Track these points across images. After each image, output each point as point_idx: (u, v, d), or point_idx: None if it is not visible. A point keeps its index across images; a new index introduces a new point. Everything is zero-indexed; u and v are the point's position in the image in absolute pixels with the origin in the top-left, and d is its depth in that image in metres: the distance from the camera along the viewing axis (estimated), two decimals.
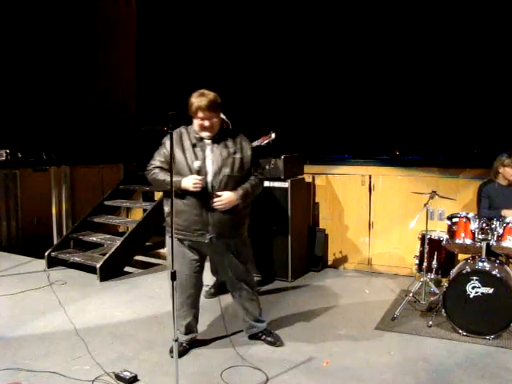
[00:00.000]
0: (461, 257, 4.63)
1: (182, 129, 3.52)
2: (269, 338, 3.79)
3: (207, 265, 5.04)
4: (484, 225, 4.16)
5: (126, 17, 7.94)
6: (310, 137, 6.71)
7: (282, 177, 5.31)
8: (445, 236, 4.38)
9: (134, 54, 8.04)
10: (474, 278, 3.91)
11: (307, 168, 5.86)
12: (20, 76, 6.62)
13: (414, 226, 4.46)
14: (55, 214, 6.57)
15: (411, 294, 4.51)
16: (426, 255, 4.44)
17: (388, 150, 6.42)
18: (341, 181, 5.89)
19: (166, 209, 3.50)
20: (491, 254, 4.19)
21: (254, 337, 3.84)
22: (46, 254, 5.90)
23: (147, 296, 4.95)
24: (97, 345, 3.80)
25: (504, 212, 4.44)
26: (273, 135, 4.68)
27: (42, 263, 5.91)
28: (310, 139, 6.67)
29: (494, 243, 4.07)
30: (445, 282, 4.29)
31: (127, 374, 3.26)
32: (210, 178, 3.39)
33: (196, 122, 3.43)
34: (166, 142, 3.41)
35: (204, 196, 3.36)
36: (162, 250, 6.61)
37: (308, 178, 5.90)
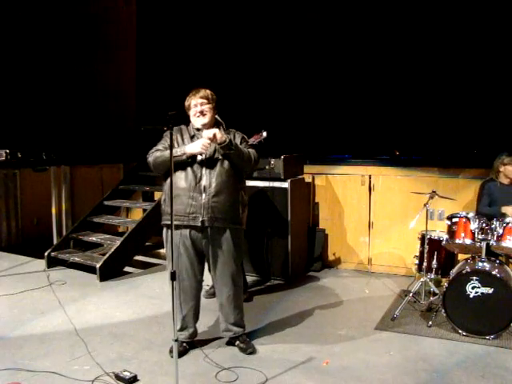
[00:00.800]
0: (461, 257, 4.63)
1: (182, 126, 3.69)
2: (242, 345, 3.70)
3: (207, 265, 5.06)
4: (484, 225, 4.16)
5: (126, 17, 7.94)
6: (310, 137, 6.71)
7: (282, 177, 5.31)
8: (445, 236, 4.38)
9: (134, 54, 8.04)
10: (474, 278, 3.91)
11: (307, 168, 5.86)
12: (20, 76, 6.61)
13: (414, 226, 4.46)
14: (55, 214, 6.57)
15: (411, 294, 4.51)
16: (425, 255, 4.45)
17: (388, 149, 6.42)
18: (341, 181, 5.89)
19: (163, 197, 3.61)
20: (491, 254, 4.19)
21: (230, 343, 3.77)
22: (46, 253, 5.90)
23: (147, 296, 4.95)
24: (97, 345, 3.80)
25: (504, 209, 4.45)
26: (264, 134, 4.66)
27: (41, 263, 5.91)
28: (309, 139, 6.67)
29: (494, 243, 4.08)
30: (445, 282, 4.29)
31: (127, 374, 3.26)
32: (204, 162, 3.50)
33: (192, 112, 3.62)
34: (165, 135, 3.57)
35: (198, 179, 3.46)
36: (161, 250, 6.61)
37: (308, 178, 5.91)
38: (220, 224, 3.51)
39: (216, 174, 3.47)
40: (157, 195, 6.71)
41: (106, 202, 6.60)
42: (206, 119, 3.58)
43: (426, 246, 4.46)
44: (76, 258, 5.80)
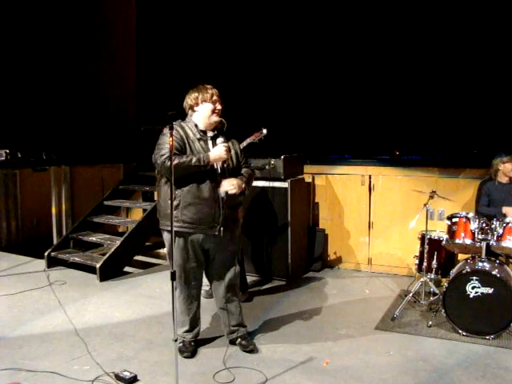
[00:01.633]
0: (461, 257, 4.63)
1: (182, 123, 3.54)
2: (243, 342, 3.73)
3: None
4: (484, 225, 4.16)
5: (126, 17, 7.94)
6: (310, 137, 6.71)
7: (282, 177, 5.31)
8: (445, 236, 4.38)
9: (134, 54, 8.04)
10: (474, 277, 3.91)
11: (307, 168, 5.86)
12: (20, 76, 6.61)
13: (414, 226, 4.46)
14: (55, 214, 6.57)
15: (411, 294, 4.51)
16: (425, 255, 4.44)
17: (388, 149, 6.41)
18: (341, 181, 5.89)
19: (170, 202, 3.41)
20: (491, 254, 4.19)
21: (233, 342, 3.78)
22: (46, 253, 5.90)
23: (147, 296, 4.95)
24: (97, 345, 3.80)
25: (505, 209, 4.45)
26: (264, 131, 4.66)
27: (41, 263, 5.91)
28: (309, 139, 6.66)
29: (494, 243, 4.08)
30: (445, 282, 4.28)
31: (127, 374, 3.25)
32: (219, 170, 3.47)
33: (208, 107, 3.50)
34: (168, 132, 3.40)
35: (214, 188, 3.43)
36: (161, 250, 6.60)
37: (308, 178, 5.90)
38: (230, 231, 3.56)
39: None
40: (157, 195, 6.69)
41: (106, 202, 6.60)
42: (219, 119, 3.56)
43: (426, 246, 4.46)
44: (76, 258, 5.80)
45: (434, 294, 4.53)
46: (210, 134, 3.55)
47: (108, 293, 5.05)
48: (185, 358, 3.57)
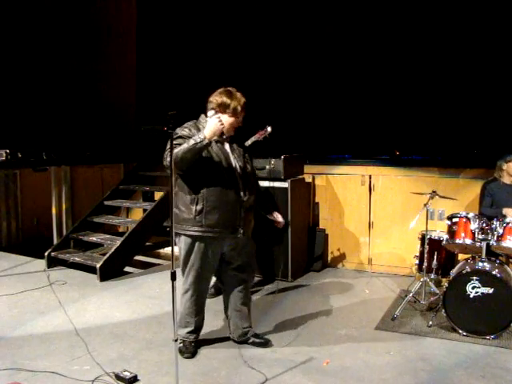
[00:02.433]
0: (461, 257, 4.63)
1: (197, 124, 3.48)
2: (257, 340, 3.76)
3: None
4: (484, 225, 4.16)
5: (126, 17, 7.93)
6: (310, 137, 6.71)
7: (282, 177, 5.31)
8: (445, 236, 4.38)
9: (134, 54, 8.03)
10: (474, 278, 3.91)
11: (307, 168, 5.86)
12: (20, 76, 6.61)
13: (414, 226, 4.46)
14: (55, 214, 6.57)
15: (411, 294, 4.51)
16: (426, 255, 4.44)
17: (388, 149, 6.41)
18: (341, 181, 5.89)
19: (198, 207, 3.38)
20: (491, 254, 4.19)
21: (243, 342, 3.80)
22: (46, 253, 5.90)
23: (147, 296, 4.95)
24: (97, 345, 3.80)
25: (505, 210, 4.45)
26: (269, 129, 4.66)
27: (41, 263, 5.91)
28: (309, 139, 6.66)
29: (494, 243, 4.08)
30: (445, 282, 4.29)
31: (127, 374, 3.26)
32: (238, 172, 3.47)
33: (232, 121, 3.44)
34: (183, 132, 3.37)
35: (236, 191, 3.43)
36: (162, 250, 6.61)
37: (308, 178, 5.90)
38: (247, 232, 3.60)
39: (249, 188, 3.51)
40: (157, 195, 6.70)
41: (106, 202, 6.60)
42: (233, 133, 3.54)
43: (426, 246, 4.45)
44: (76, 258, 5.80)
45: (434, 294, 4.52)
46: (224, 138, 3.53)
47: (108, 293, 5.05)
48: (185, 358, 3.57)
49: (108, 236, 6.23)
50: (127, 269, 5.83)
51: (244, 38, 7.26)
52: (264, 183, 5.38)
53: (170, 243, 5.96)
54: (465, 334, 3.92)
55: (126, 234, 5.84)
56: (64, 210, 6.60)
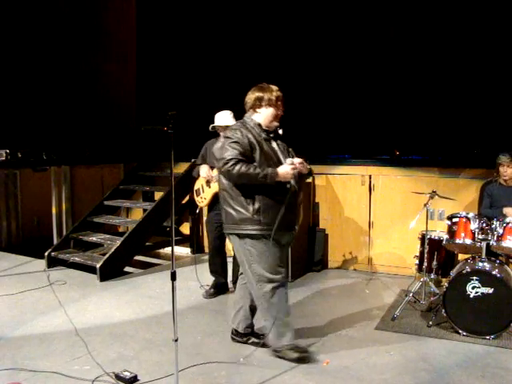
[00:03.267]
0: (461, 257, 4.63)
1: (245, 124, 3.47)
2: (257, 340, 3.74)
3: (207, 265, 5.06)
4: (484, 225, 4.16)
5: (126, 16, 7.94)
6: (310, 137, 6.71)
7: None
8: (445, 236, 4.38)
9: (135, 54, 8.04)
10: (474, 278, 3.90)
11: None
12: (20, 76, 6.62)
13: (414, 226, 4.46)
14: (55, 213, 6.57)
15: (411, 294, 4.51)
16: (426, 255, 4.44)
17: (388, 149, 6.41)
18: (341, 181, 5.89)
19: (257, 205, 3.34)
20: (491, 254, 4.19)
21: (247, 335, 3.78)
22: (46, 253, 5.90)
23: (147, 296, 4.95)
24: (97, 345, 3.80)
25: (506, 210, 4.45)
26: (280, 131, 4.66)
27: (42, 263, 5.91)
28: (309, 139, 6.66)
29: (494, 243, 4.07)
30: (445, 282, 4.28)
31: (127, 374, 3.26)
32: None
33: (271, 112, 3.46)
34: (233, 135, 3.36)
35: (289, 189, 3.39)
36: (161, 250, 6.61)
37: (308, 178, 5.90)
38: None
39: (297, 182, 3.45)
40: (157, 195, 6.70)
41: (106, 202, 6.61)
42: (278, 123, 3.54)
43: (426, 246, 4.45)
44: (76, 258, 5.80)
45: (434, 294, 4.52)
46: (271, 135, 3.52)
47: (108, 293, 5.06)
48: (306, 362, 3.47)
49: (108, 236, 6.24)
50: (127, 269, 5.83)
51: (244, 38, 7.26)
52: None
53: (170, 243, 5.99)
54: (465, 333, 3.92)
55: (126, 234, 5.84)
56: (64, 209, 6.60)
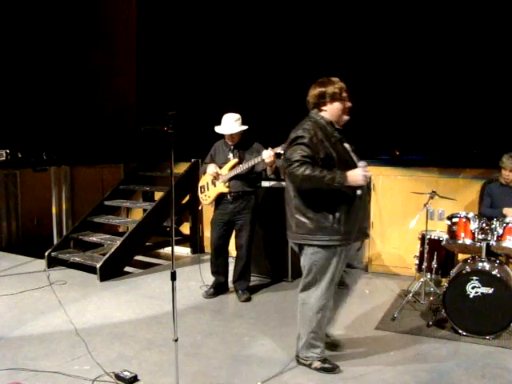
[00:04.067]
0: (461, 257, 4.63)
1: (316, 123, 3.27)
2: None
3: (207, 265, 5.06)
4: (484, 225, 4.16)
5: (126, 17, 7.94)
6: None
7: (282, 177, 5.31)
8: (445, 236, 4.38)
9: (135, 54, 8.04)
10: (474, 277, 3.91)
11: None
12: (20, 76, 6.62)
13: (414, 226, 4.46)
14: (55, 213, 6.57)
15: (411, 294, 4.51)
16: (425, 255, 4.45)
17: (388, 150, 6.41)
18: None
19: (329, 215, 3.10)
20: (491, 254, 4.19)
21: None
22: (46, 253, 5.90)
23: (147, 296, 4.95)
24: (97, 345, 3.80)
25: (505, 210, 4.45)
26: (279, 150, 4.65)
27: (42, 263, 5.91)
28: None
29: (494, 243, 4.08)
30: (445, 282, 4.29)
31: (127, 374, 3.26)
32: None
33: (339, 107, 3.30)
34: (305, 135, 3.13)
35: (363, 191, 3.22)
36: (161, 250, 6.61)
37: None
38: None
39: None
40: (157, 195, 6.70)
41: (106, 202, 6.61)
42: (348, 117, 3.30)
43: (426, 246, 4.46)
44: (76, 258, 5.80)
45: (434, 294, 4.53)
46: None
47: (108, 293, 5.06)
48: (336, 373, 3.34)
49: (108, 236, 6.24)
50: (127, 269, 5.83)
51: (244, 38, 7.26)
52: (264, 183, 5.38)
53: (170, 243, 5.98)
54: (465, 333, 3.92)
55: (126, 234, 5.85)
56: (64, 209, 6.60)
